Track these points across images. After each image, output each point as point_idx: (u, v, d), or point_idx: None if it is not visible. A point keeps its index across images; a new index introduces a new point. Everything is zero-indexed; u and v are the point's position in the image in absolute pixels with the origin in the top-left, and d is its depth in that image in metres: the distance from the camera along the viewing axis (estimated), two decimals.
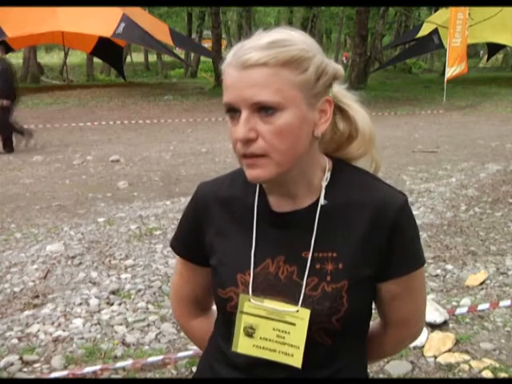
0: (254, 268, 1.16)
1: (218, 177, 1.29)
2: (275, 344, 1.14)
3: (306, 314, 1.11)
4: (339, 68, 1.14)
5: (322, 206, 1.15)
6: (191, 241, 1.27)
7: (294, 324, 1.12)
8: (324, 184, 1.15)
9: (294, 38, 1.07)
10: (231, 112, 1.08)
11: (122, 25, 16.31)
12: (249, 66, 1.04)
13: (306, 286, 1.12)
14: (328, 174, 1.16)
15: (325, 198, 1.15)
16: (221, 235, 1.22)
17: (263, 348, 1.14)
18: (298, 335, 1.12)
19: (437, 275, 4.16)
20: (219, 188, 1.25)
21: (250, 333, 1.15)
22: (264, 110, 1.04)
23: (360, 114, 1.22)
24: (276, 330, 1.13)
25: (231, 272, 1.18)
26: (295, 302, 1.12)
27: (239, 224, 1.20)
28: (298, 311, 1.11)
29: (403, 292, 1.18)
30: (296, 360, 1.12)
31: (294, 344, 1.12)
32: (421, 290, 1.22)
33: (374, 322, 1.30)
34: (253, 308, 1.14)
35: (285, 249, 1.15)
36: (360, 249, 1.13)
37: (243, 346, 1.16)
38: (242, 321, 1.15)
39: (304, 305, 1.12)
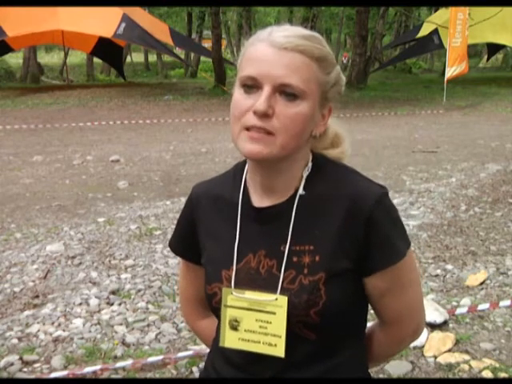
0: (236, 263, 1.19)
1: (211, 178, 1.33)
2: (259, 335, 1.16)
3: (284, 301, 1.13)
4: (344, 84, 1.21)
5: (300, 198, 1.17)
6: (188, 241, 1.30)
7: (274, 313, 1.14)
8: (305, 174, 1.18)
9: (325, 42, 1.14)
10: (248, 87, 1.10)
11: (123, 25, 16.29)
12: (287, 48, 1.08)
13: (283, 280, 1.14)
14: (310, 165, 1.19)
15: (304, 190, 1.17)
16: (210, 234, 1.25)
17: (248, 340, 1.17)
18: (279, 324, 1.14)
19: (437, 275, 4.16)
20: (211, 188, 1.28)
21: (234, 326, 1.18)
22: (286, 94, 1.08)
23: (339, 125, 1.28)
24: (258, 320, 1.16)
25: (216, 268, 1.22)
26: (274, 293, 1.14)
27: (225, 222, 1.23)
28: (276, 299, 1.14)
29: (391, 287, 1.18)
30: (279, 350, 1.14)
31: (276, 333, 1.14)
32: (410, 284, 1.21)
33: (373, 323, 1.30)
34: (235, 300, 1.17)
35: (265, 243, 1.18)
36: (337, 241, 1.14)
37: (229, 339, 1.19)
38: (227, 314, 1.18)
39: (282, 294, 1.14)
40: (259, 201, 1.20)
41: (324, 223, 1.15)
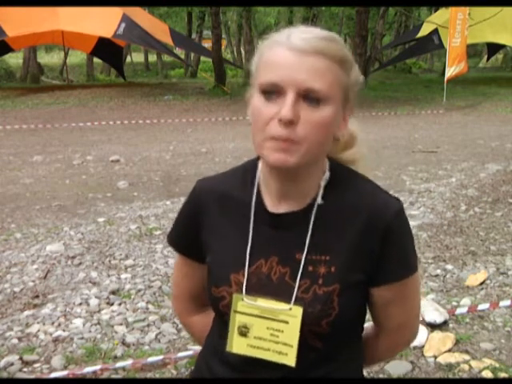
0: (248, 268, 1.16)
1: (216, 174, 1.30)
2: (269, 343, 1.14)
3: (298, 311, 1.11)
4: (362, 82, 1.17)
5: (317, 208, 1.14)
6: (187, 236, 1.27)
7: (287, 322, 1.12)
8: (323, 183, 1.16)
9: (342, 41, 1.11)
10: (268, 93, 1.06)
11: (123, 25, 16.27)
12: (308, 51, 1.04)
13: (298, 288, 1.12)
14: (327, 174, 1.17)
15: (322, 199, 1.15)
16: (216, 233, 1.22)
17: (257, 347, 1.15)
18: (292, 333, 1.12)
19: (437, 275, 4.16)
20: (217, 185, 1.25)
21: (243, 332, 1.15)
22: (310, 99, 1.05)
23: (355, 123, 1.25)
24: (270, 328, 1.14)
25: (225, 271, 1.18)
26: (288, 302, 1.12)
27: (235, 223, 1.20)
28: (291, 309, 1.12)
29: (396, 299, 1.18)
30: (290, 359, 1.13)
31: (288, 342, 1.12)
32: (414, 296, 1.22)
33: (368, 326, 1.30)
34: (246, 307, 1.15)
35: (279, 250, 1.16)
36: (353, 253, 1.13)
37: (238, 345, 1.16)
38: (236, 320, 1.16)
39: (296, 304, 1.12)
40: (273, 205, 1.17)
41: (341, 234, 1.14)
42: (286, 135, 1.04)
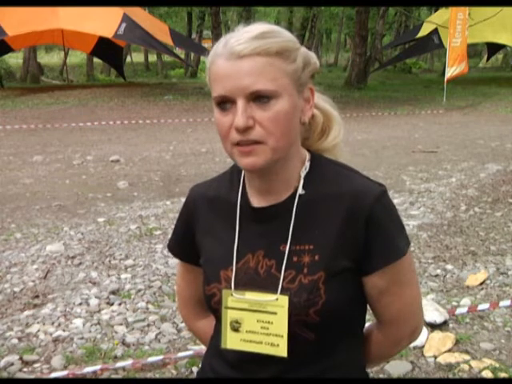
0: (235, 264, 1.19)
1: (207, 179, 1.33)
2: (261, 336, 1.16)
3: (285, 301, 1.13)
4: (317, 60, 1.20)
5: (299, 198, 1.17)
6: (185, 242, 1.31)
7: (275, 313, 1.14)
8: (303, 174, 1.18)
9: (279, 30, 1.12)
10: (223, 104, 1.10)
11: (123, 25, 16.26)
12: (244, 55, 1.06)
13: (283, 279, 1.14)
14: (307, 164, 1.19)
15: (303, 189, 1.17)
16: (207, 235, 1.25)
17: (250, 341, 1.17)
18: (281, 324, 1.13)
19: (437, 275, 4.16)
20: (208, 189, 1.29)
21: (236, 327, 1.17)
22: (259, 98, 1.07)
23: (328, 103, 1.28)
24: (260, 321, 1.16)
25: (215, 269, 1.22)
26: (274, 293, 1.14)
27: (223, 222, 1.23)
28: (277, 299, 1.13)
29: (389, 287, 1.17)
30: (281, 350, 1.14)
31: (278, 333, 1.14)
32: (408, 283, 1.20)
33: (370, 323, 1.30)
34: (236, 302, 1.17)
35: (264, 243, 1.18)
36: (337, 240, 1.14)
37: (231, 341, 1.18)
38: (228, 316, 1.18)
39: (282, 294, 1.14)
40: (258, 201, 1.20)
41: (323, 222, 1.15)
42: (248, 139, 1.08)
